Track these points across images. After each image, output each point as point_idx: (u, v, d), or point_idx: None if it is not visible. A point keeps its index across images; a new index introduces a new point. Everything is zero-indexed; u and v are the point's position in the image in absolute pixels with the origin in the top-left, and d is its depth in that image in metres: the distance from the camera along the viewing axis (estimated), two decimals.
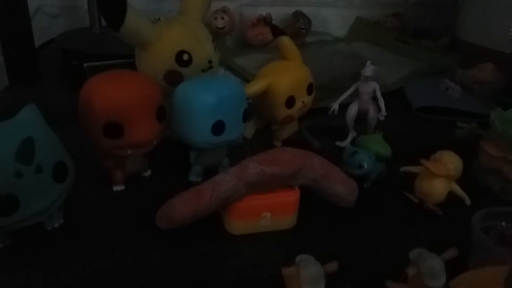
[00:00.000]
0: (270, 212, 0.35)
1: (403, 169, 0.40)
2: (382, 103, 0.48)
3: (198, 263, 0.33)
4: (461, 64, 0.70)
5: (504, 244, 0.32)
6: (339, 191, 0.37)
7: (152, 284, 0.31)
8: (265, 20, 0.80)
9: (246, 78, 0.66)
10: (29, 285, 0.30)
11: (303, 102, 0.47)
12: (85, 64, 0.50)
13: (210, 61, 0.45)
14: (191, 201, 0.33)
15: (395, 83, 0.67)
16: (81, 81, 0.49)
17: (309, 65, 0.49)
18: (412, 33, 0.87)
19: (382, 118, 0.48)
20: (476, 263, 0.31)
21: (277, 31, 0.47)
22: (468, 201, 0.38)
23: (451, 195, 0.39)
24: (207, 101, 0.38)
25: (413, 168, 0.40)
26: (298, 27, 0.81)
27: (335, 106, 0.49)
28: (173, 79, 0.43)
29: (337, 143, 0.50)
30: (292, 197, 0.36)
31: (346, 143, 0.49)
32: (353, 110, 0.49)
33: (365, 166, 0.41)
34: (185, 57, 0.43)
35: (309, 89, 0.48)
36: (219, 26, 0.76)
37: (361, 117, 0.49)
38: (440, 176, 0.38)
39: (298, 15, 0.82)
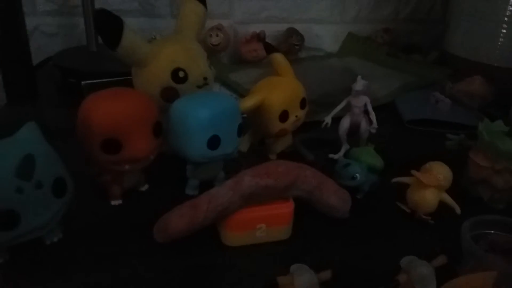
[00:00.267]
0: (265, 224, 0.36)
1: (395, 180, 0.41)
2: (373, 117, 0.49)
3: (195, 274, 0.34)
4: (450, 78, 0.72)
5: (493, 251, 0.33)
6: (333, 202, 0.38)
7: None
8: (259, 37, 0.82)
9: (241, 93, 0.67)
10: None
11: (296, 116, 0.48)
12: (82, 82, 0.51)
13: (205, 78, 0.46)
14: (188, 214, 0.34)
15: (386, 97, 0.68)
16: (78, 98, 0.50)
17: (302, 80, 0.50)
18: (402, 47, 0.89)
19: (373, 131, 0.49)
20: (465, 270, 0.32)
21: (270, 48, 0.49)
22: (458, 210, 0.39)
23: (441, 204, 0.40)
24: (202, 116, 0.39)
25: (404, 179, 0.41)
26: (292, 43, 0.83)
27: (328, 119, 0.50)
28: (169, 95, 0.44)
29: (330, 155, 0.51)
30: (286, 208, 0.37)
31: (339, 155, 0.50)
32: (345, 123, 0.50)
33: (358, 177, 0.42)
34: (181, 74, 0.44)
35: (302, 104, 0.49)
36: (214, 43, 0.77)
37: (353, 130, 0.50)
38: (430, 187, 0.39)
39: (291, 31, 0.84)
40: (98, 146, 0.36)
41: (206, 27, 0.71)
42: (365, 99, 0.49)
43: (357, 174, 0.42)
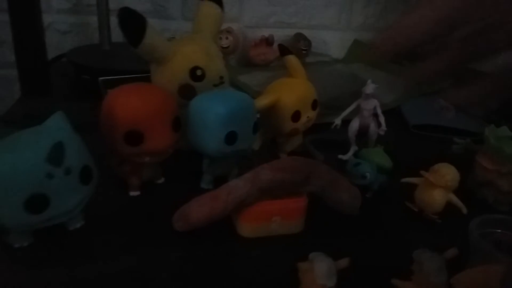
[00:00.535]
0: (280, 217, 0.37)
1: (404, 180, 0.43)
2: (382, 119, 0.51)
3: (213, 262, 0.35)
4: (454, 84, 0.73)
5: (500, 250, 0.34)
6: (344, 198, 0.39)
7: (172, 281, 0.33)
8: (267, 41, 0.84)
9: (250, 94, 0.68)
10: (56, 280, 0.32)
11: (308, 116, 0.50)
12: (99, 78, 0.53)
13: (221, 77, 0.48)
14: (208, 204, 0.35)
15: (391, 102, 0.70)
16: (92, 94, 0.52)
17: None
18: (406, 55, 0.91)
19: (382, 133, 0.51)
20: (473, 267, 0.33)
21: (284, 51, 0.51)
22: (465, 210, 0.41)
23: (448, 205, 0.41)
24: (222, 112, 0.40)
25: (413, 180, 0.43)
26: (299, 48, 0.85)
27: (338, 121, 0.52)
28: (186, 92, 0.46)
29: (340, 156, 0.53)
30: (300, 203, 0.38)
31: (348, 156, 0.52)
32: (354, 125, 0.52)
33: (368, 176, 0.43)
34: (199, 72, 0.46)
35: (314, 105, 0.50)
36: (224, 46, 0.79)
37: (362, 132, 0.52)
38: (438, 187, 0.40)
39: (299, 37, 0.86)
40: (122, 137, 0.38)
41: None
42: (374, 102, 0.50)
43: (367, 173, 0.43)
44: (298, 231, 0.39)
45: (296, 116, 0.48)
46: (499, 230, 0.36)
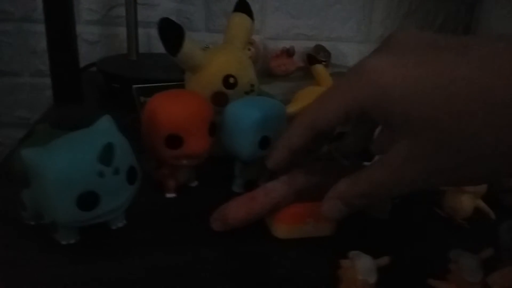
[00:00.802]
0: (313, 219, 0.39)
1: None
2: None
3: (251, 262, 0.36)
4: None
5: None
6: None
7: (213, 279, 0.34)
8: (288, 52, 0.86)
9: None
10: (103, 276, 0.33)
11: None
12: (134, 86, 0.55)
13: (252, 85, 0.50)
14: (246, 205, 0.37)
15: None
16: (121, 102, 0.53)
17: None
18: None
19: None
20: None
21: (312, 60, 0.52)
22: (492, 216, 0.42)
23: (475, 211, 0.42)
24: (256, 117, 0.42)
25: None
26: (319, 59, 0.87)
27: None
28: (219, 99, 0.48)
29: (365, 163, 0.54)
30: None
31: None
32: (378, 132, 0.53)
33: None
34: (231, 80, 0.48)
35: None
36: None
37: None
38: (467, 192, 0.41)
39: (319, 48, 0.88)
40: (163, 141, 0.40)
41: None
42: None
43: None
44: (330, 234, 0.40)
45: None
46: None
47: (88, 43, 0.85)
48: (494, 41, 0.24)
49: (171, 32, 0.44)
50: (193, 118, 0.41)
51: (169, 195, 0.44)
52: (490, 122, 0.22)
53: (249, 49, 0.83)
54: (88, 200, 0.33)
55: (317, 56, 0.87)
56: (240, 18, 0.52)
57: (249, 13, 0.53)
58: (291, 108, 0.48)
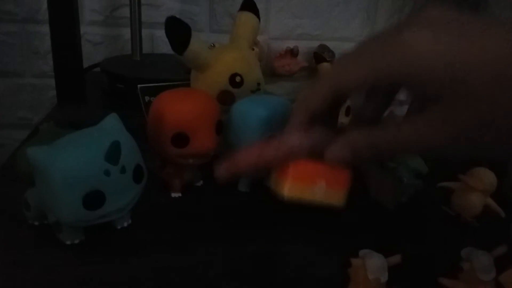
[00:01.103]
0: (325, 181, 0.35)
1: (441, 184, 0.44)
2: None
3: (258, 261, 0.36)
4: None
5: None
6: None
7: (220, 279, 0.33)
8: (292, 52, 0.86)
9: None
10: (107, 276, 0.33)
11: (342, 122, 0.51)
12: (139, 86, 0.54)
13: (258, 83, 0.49)
14: (258, 150, 0.34)
15: None
16: (125, 102, 0.53)
17: None
18: None
19: None
20: None
21: (319, 58, 0.52)
22: (502, 214, 0.41)
23: (484, 209, 0.42)
24: (262, 116, 0.41)
25: (450, 184, 0.43)
26: (323, 59, 0.87)
27: None
28: (226, 98, 0.47)
29: None
30: (345, 173, 0.35)
31: None
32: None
33: (405, 180, 0.44)
34: (238, 79, 0.48)
35: (347, 111, 0.52)
36: None
37: None
38: (476, 191, 0.41)
39: (323, 48, 0.88)
40: (169, 139, 0.39)
41: None
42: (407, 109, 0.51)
43: (404, 178, 0.44)
44: (339, 204, 0.36)
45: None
46: None
47: (92, 44, 0.85)
48: None
49: (178, 31, 0.44)
50: (200, 116, 0.40)
51: (174, 195, 0.43)
52: None
53: (253, 49, 0.82)
54: (94, 199, 0.32)
55: (321, 55, 0.87)
56: (247, 17, 0.52)
57: (256, 12, 0.53)
58: None
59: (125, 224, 0.38)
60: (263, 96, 0.47)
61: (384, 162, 0.44)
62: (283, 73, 0.86)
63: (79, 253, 0.35)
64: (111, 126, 0.35)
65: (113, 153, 0.33)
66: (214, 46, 0.64)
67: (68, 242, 0.36)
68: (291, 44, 0.86)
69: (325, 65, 0.52)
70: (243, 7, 0.52)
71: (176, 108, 0.39)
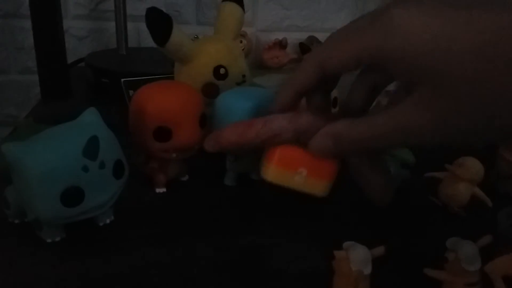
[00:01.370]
0: (307, 170, 0.34)
1: (428, 175, 0.43)
2: None
3: (243, 255, 0.35)
4: None
5: None
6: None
7: (206, 274, 0.33)
8: (281, 44, 0.85)
9: None
10: (89, 273, 0.32)
11: None
12: (122, 79, 0.54)
13: (243, 75, 0.49)
14: (241, 129, 0.34)
15: None
16: (111, 97, 0.52)
17: None
18: None
19: None
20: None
21: (305, 49, 0.51)
22: (490, 203, 0.41)
23: (472, 199, 0.42)
24: (247, 108, 0.40)
25: (437, 174, 0.43)
26: (309, 50, 0.86)
27: None
28: (210, 91, 0.47)
29: None
30: (331, 164, 0.34)
31: None
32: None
33: (392, 171, 0.43)
34: (222, 71, 0.47)
35: (334, 102, 0.51)
36: None
37: None
38: (463, 180, 0.41)
39: (312, 39, 0.87)
40: (151, 133, 0.38)
41: None
42: None
43: (390, 168, 0.43)
44: (321, 194, 0.35)
45: None
46: None
47: (77, 38, 0.84)
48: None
49: (159, 22, 0.43)
50: (183, 109, 0.39)
51: (158, 190, 0.42)
52: None
53: (241, 41, 0.82)
54: (72, 196, 0.31)
55: (310, 47, 0.86)
56: (231, 8, 0.51)
57: (240, 3, 0.52)
58: None
59: (108, 221, 0.37)
60: (247, 88, 0.47)
61: (374, 156, 0.43)
62: (272, 65, 0.85)
63: (60, 251, 0.34)
64: (90, 121, 0.34)
65: (91, 148, 0.32)
66: (197, 37, 0.63)
67: (48, 240, 0.35)
68: (279, 36, 0.85)
69: None
70: None
71: (158, 101, 0.39)
